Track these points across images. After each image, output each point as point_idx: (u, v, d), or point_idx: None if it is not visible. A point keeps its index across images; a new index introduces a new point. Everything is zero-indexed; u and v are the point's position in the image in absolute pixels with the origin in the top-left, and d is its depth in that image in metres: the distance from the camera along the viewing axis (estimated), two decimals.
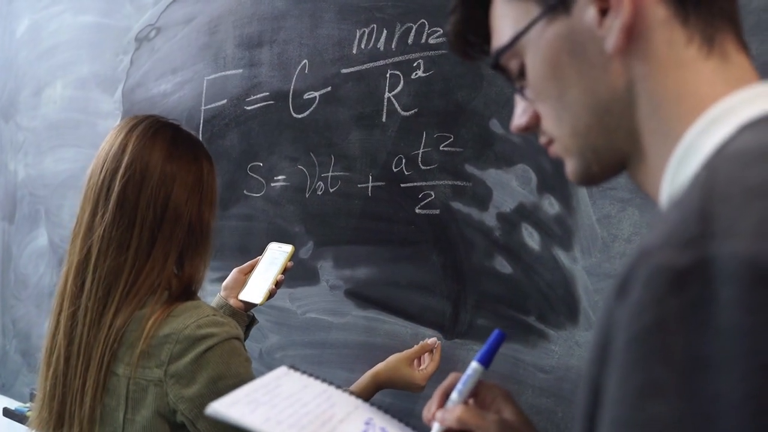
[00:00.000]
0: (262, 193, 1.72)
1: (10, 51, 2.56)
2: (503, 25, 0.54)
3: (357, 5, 1.54)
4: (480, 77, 1.35)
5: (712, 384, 0.32)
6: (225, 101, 1.81)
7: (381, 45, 1.49)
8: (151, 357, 1.04)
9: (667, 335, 0.34)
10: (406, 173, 1.45)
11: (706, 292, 0.33)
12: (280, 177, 1.69)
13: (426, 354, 1.32)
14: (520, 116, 0.56)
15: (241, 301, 1.36)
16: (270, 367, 1.68)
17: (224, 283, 1.39)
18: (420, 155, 1.43)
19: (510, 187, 1.32)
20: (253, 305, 1.36)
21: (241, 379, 1.02)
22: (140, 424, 1.05)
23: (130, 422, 1.05)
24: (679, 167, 0.45)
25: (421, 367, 1.28)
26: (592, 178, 0.54)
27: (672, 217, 0.38)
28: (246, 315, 1.36)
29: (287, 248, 1.40)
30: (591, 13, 0.48)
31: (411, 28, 1.45)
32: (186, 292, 1.10)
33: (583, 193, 1.23)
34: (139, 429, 1.05)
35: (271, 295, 1.35)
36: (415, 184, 1.44)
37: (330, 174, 1.58)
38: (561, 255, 1.25)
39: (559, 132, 0.53)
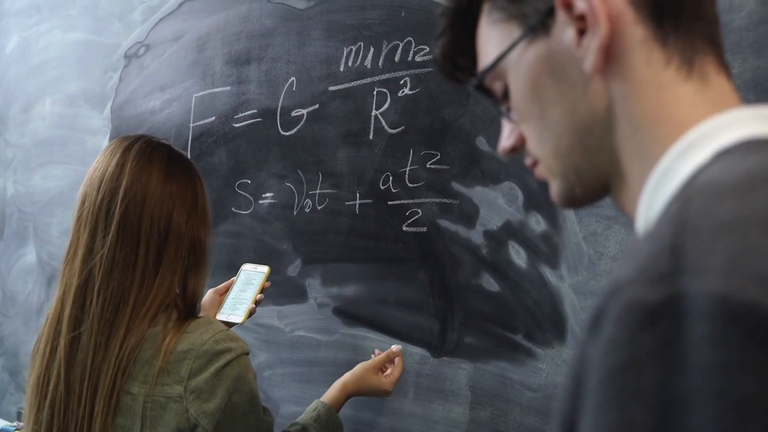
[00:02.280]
0: (250, 210, 1.72)
1: (0, 68, 2.56)
2: (487, 47, 0.55)
3: (344, 23, 1.54)
4: (466, 95, 1.35)
5: (685, 423, 0.32)
6: (213, 118, 1.81)
7: (368, 63, 1.50)
8: (170, 373, 1.03)
9: (640, 373, 0.34)
10: (393, 191, 1.45)
11: (677, 330, 0.33)
12: (268, 194, 1.68)
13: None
14: (506, 138, 0.57)
15: (220, 321, 1.34)
16: (258, 386, 1.67)
17: (200, 304, 1.39)
18: (407, 173, 1.43)
19: (497, 204, 1.32)
20: (234, 325, 1.37)
21: (252, 395, 1.08)
22: None
23: None
24: (655, 192, 0.45)
25: (386, 373, 1.34)
26: (576, 200, 0.54)
27: (644, 250, 0.37)
28: None
29: (263, 269, 1.41)
30: (569, 33, 0.49)
31: (398, 46, 1.45)
32: (192, 309, 1.11)
33: (569, 211, 1.23)
34: None
35: (251, 314, 1.36)
36: (403, 201, 1.44)
37: (318, 191, 1.58)
38: (548, 273, 1.25)
39: (542, 153, 0.53)
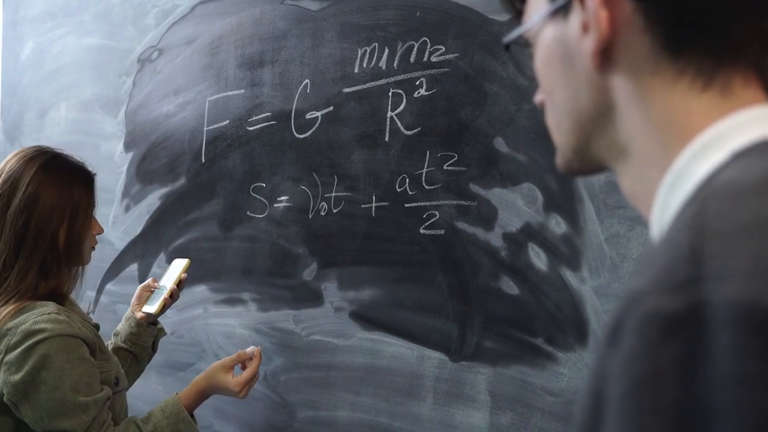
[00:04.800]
0: (265, 214, 1.71)
1: (15, 74, 2.57)
2: (529, 9, 0.54)
3: (358, 24, 1.53)
4: (483, 95, 1.33)
5: None
6: (227, 122, 1.80)
7: (383, 64, 1.48)
8: None
9: (662, 387, 0.32)
10: (409, 193, 1.43)
11: (699, 340, 0.32)
12: (283, 198, 1.67)
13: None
14: (539, 92, 0.57)
15: (142, 311, 1.50)
16: (275, 390, 1.66)
17: (133, 297, 1.54)
18: (424, 175, 1.41)
19: (516, 206, 1.29)
20: (151, 315, 1.50)
21: (61, 374, 1.18)
22: None
23: None
24: (669, 195, 0.43)
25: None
26: (573, 172, 0.55)
27: (661, 258, 0.36)
28: (152, 326, 1.53)
29: (183, 262, 1.54)
30: (577, 25, 0.48)
31: (413, 46, 1.43)
32: (51, 295, 1.26)
33: (590, 212, 1.20)
34: None
35: (165, 305, 1.49)
36: (419, 204, 1.42)
37: (333, 194, 1.57)
38: (569, 275, 1.23)
39: (550, 123, 0.54)
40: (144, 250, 2.02)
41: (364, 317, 1.51)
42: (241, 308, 1.76)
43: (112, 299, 2.12)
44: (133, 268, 2.06)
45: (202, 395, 1.37)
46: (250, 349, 1.40)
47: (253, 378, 1.38)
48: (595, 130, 0.49)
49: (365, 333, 1.51)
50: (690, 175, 0.42)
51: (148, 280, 1.56)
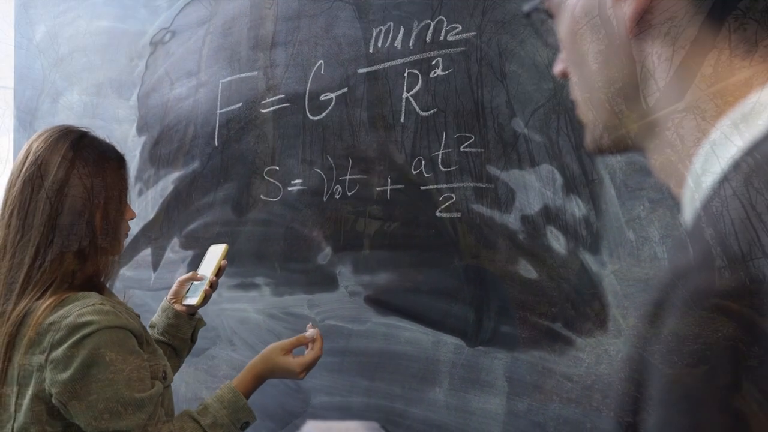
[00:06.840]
0: (279, 197, 1.69)
1: (28, 58, 2.56)
2: None
3: (373, 3, 1.50)
4: (501, 75, 1.30)
5: None
6: (240, 104, 1.78)
7: (398, 43, 1.45)
8: (38, 344, 1.10)
9: None
10: (425, 175, 1.41)
11: None
12: (297, 181, 1.65)
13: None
14: (560, 61, 0.55)
15: (183, 304, 1.42)
16: None
17: (171, 291, 1.45)
18: (440, 156, 1.39)
19: (534, 188, 1.27)
20: (193, 307, 1.41)
21: (113, 369, 1.08)
22: (24, 407, 1.11)
23: (20, 407, 1.12)
24: (705, 165, 0.42)
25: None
26: (602, 151, 0.52)
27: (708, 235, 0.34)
28: (191, 318, 1.44)
29: (221, 248, 1.44)
30: None
31: (429, 25, 1.40)
32: (89, 283, 1.17)
33: (611, 194, 1.18)
34: (24, 412, 1.11)
35: (207, 296, 1.40)
36: (436, 186, 1.39)
37: (348, 177, 1.54)
38: (588, 259, 1.20)
39: (578, 97, 0.52)
40: (157, 234, 2.02)
41: (379, 302, 1.49)
42: (255, 293, 1.75)
43: (126, 285, 2.12)
44: (147, 252, 2.05)
45: (259, 379, 1.28)
46: (309, 332, 1.32)
47: (316, 360, 1.30)
48: (626, 104, 0.47)
49: (380, 318, 1.49)
50: (729, 146, 0.40)
51: (190, 274, 1.45)
